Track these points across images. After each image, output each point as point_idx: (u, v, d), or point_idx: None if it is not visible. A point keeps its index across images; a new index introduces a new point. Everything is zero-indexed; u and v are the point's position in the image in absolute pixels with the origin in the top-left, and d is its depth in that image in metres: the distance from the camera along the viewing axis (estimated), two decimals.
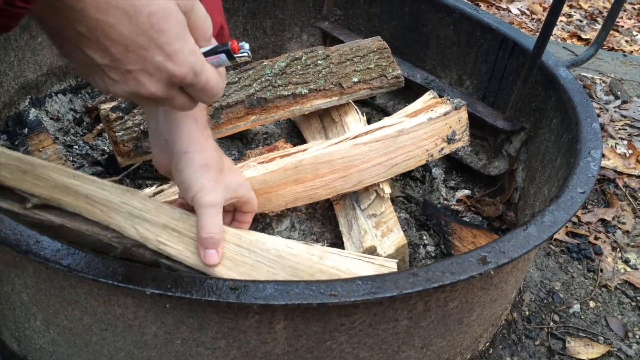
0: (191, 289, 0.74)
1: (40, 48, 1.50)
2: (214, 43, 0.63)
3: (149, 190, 1.10)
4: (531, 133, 1.44)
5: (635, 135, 2.02)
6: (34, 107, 1.47)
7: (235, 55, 0.62)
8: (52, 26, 0.52)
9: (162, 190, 1.10)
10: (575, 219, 1.61)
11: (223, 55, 0.62)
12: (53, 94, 1.55)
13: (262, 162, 1.13)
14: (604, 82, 2.34)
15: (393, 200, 1.31)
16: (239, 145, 1.48)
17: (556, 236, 1.53)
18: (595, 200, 1.71)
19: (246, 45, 0.63)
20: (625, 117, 2.11)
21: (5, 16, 0.48)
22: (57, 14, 0.50)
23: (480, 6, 3.13)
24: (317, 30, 1.85)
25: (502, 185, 1.54)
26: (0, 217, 0.79)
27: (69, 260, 0.75)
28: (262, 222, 1.22)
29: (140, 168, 1.34)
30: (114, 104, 1.21)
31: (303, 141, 1.43)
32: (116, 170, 1.32)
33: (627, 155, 1.87)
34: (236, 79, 1.29)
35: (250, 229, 1.22)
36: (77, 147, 1.40)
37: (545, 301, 1.37)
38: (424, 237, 1.30)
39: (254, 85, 1.29)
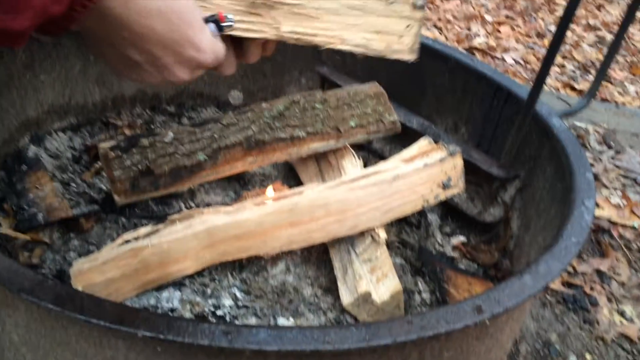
0: (183, 333, 0.73)
1: (42, 86, 1.52)
2: None
3: (145, 230, 1.09)
4: (526, 181, 1.45)
5: (629, 186, 2.03)
6: (34, 144, 1.48)
7: (223, 24, 0.71)
8: (99, 36, 0.60)
9: (157, 230, 1.10)
10: (570, 269, 1.61)
11: (212, 25, 0.70)
12: (53, 132, 1.57)
13: (258, 204, 1.13)
14: (597, 132, 2.37)
15: (388, 245, 1.31)
16: (235, 186, 1.48)
17: (552, 286, 1.53)
18: (591, 250, 1.71)
19: (231, 15, 0.72)
20: (618, 167, 2.13)
21: (67, 20, 0.54)
22: (106, 24, 0.57)
23: (475, 55, 3.20)
24: (316, 74, 1.89)
25: (497, 232, 1.54)
26: None
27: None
28: (257, 265, 1.21)
29: (137, 207, 1.34)
30: (113, 143, 1.22)
31: (300, 183, 1.44)
32: (113, 209, 1.31)
33: (622, 205, 1.88)
34: (235, 120, 1.31)
35: (244, 270, 1.22)
36: (74, 185, 1.40)
37: (541, 353, 1.36)
38: (419, 284, 1.30)
39: (252, 127, 1.31)
